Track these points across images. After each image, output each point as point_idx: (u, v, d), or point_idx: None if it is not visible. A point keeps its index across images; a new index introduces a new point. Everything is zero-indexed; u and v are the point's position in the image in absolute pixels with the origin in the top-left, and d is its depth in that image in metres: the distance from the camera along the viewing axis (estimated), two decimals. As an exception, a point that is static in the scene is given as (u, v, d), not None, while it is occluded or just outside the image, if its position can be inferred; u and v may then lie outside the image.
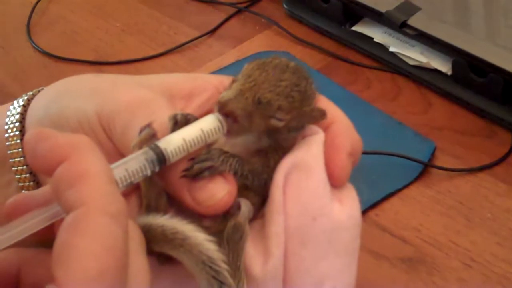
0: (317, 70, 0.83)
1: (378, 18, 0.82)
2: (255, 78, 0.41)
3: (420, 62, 0.80)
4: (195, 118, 0.41)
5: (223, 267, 0.39)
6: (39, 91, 0.50)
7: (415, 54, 0.80)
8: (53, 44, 0.92)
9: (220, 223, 0.41)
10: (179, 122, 0.41)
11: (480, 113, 0.75)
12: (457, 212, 0.66)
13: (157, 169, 0.39)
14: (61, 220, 0.34)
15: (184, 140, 0.40)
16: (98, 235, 0.32)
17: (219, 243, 0.40)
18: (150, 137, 0.40)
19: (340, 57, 0.85)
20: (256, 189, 0.42)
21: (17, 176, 0.48)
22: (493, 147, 0.72)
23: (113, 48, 0.91)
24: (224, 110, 0.40)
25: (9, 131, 0.48)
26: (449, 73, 0.78)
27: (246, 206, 0.41)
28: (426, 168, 0.70)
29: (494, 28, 0.79)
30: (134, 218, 0.40)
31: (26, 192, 0.47)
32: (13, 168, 0.48)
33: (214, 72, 0.84)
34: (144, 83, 0.46)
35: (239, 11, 0.94)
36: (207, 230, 0.40)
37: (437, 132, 0.74)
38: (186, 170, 0.40)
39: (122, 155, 0.41)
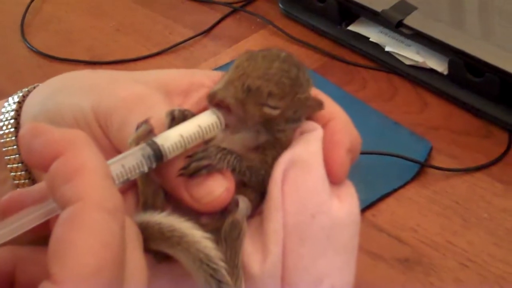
0: (313, 70, 0.82)
1: (374, 17, 0.82)
2: (244, 68, 0.41)
3: (416, 62, 0.79)
4: (193, 114, 0.41)
5: (221, 265, 0.38)
6: (34, 88, 0.50)
7: (411, 54, 0.80)
8: (47, 44, 0.91)
9: (218, 221, 0.40)
10: (176, 118, 0.40)
11: (477, 112, 0.75)
12: (453, 212, 0.66)
13: (154, 165, 0.39)
14: (57, 216, 0.33)
15: (181, 136, 0.39)
16: (94, 231, 0.31)
17: (217, 241, 0.39)
18: (147, 133, 0.40)
19: (336, 56, 0.85)
20: (254, 186, 0.41)
21: (12, 173, 0.48)
22: (489, 147, 0.72)
23: (108, 48, 0.91)
24: (214, 100, 0.40)
25: (4, 128, 0.48)
26: (445, 72, 0.78)
27: (244, 203, 0.40)
28: (422, 168, 0.70)
29: (490, 27, 0.79)
30: (131, 216, 0.39)
31: (21, 189, 0.47)
32: (8, 166, 0.48)
33: (209, 72, 0.83)
34: (141, 79, 0.45)
35: (234, 11, 0.94)
36: (205, 227, 0.39)
37: (433, 132, 0.74)
38: (183, 168, 0.40)
39: (118, 152, 0.41)
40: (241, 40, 0.89)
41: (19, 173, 0.48)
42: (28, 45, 0.91)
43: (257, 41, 0.89)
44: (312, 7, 0.88)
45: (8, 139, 0.47)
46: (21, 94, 0.49)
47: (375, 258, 0.63)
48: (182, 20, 0.94)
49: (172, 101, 0.44)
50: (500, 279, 0.60)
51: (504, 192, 0.68)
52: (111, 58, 0.89)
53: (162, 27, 0.93)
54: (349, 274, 0.41)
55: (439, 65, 0.78)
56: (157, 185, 0.41)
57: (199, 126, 0.40)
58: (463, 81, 0.76)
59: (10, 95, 0.51)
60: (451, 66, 0.76)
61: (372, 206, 0.67)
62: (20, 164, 0.48)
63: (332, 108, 0.44)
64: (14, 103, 0.49)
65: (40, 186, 0.39)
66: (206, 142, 0.41)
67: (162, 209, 0.40)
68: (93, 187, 0.33)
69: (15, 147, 0.48)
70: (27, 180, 0.48)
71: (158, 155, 0.39)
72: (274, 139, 0.42)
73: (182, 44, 0.90)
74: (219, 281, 0.38)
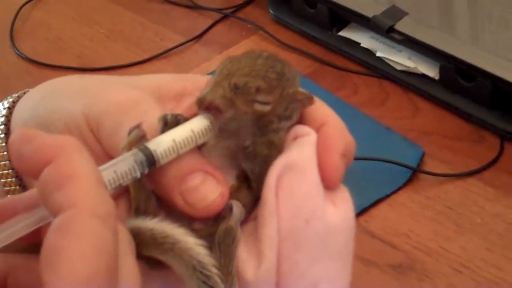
0: (304, 75, 0.82)
1: (365, 23, 0.82)
2: (228, 69, 0.41)
3: (407, 67, 0.79)
4: (185, 119, 0.40)
5: (214, 272, 0.38)
6: (24, 93, 0.49)
7: (402, 59, 0.80)
8: (37, 51, 0.91)
9: (211, 226, 0.40)
10: (169, 123, 0.40)
11: (469, 118, 0.75)
12: (446, 217, 0.66)
13: (146, 171, 0.38)
14: (49, 224, 0.33)
15: (174, 141, 0.39)
16: (87, 238, 0.31)
17: (210, 247, 0.39)
18: (139, 139, 0.39)
19: (327, 62, 0.85)
20: (248, 190, 0.41)
21: (2, 180, 0.47)
22: (481, 152, 0.72)
23: (98, 54, 0.90)
24: (204, 103, 0.40)
25: (-7, 134, 0.47)
26: (437, 78, 0.78)
27: (237, 208, 0.40)
28: (414, 173, 0.70)
29: (482, 32, 0.79)
30: (123, 222, 0.39)
31: (11, 196, 0.46)
32: (-2, 172, 0.47)
33: (200, 78, 0.83)
34: (133, 83, 0.45)
35: (225, 17, 0.94)
36: (198, 233, 0.39)
37: (425, 137, 0.74)
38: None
39: (110, 158, 0.40)
40: (232, 46, 0.89)
41: (10, 179, 0.47)
42: (17, 52, 0.91)
43: (248, 47, 0.88)
44: (302, 13, 0.88)
45: (-3, 145, 0.47)
46: (11, 100, 0.49)
47: (368, 264, 0.62)
48: (172, 26, 0.94)
49: (164, 105, 0.44)
50: (493, 284, 0.60)
51: (496, 197, 0.68)
52: (101, 64, 0.88)
53: (153, 33, 0.93)
54: (344, 279, 0.41)
55: (430, 70, 0.78)
56: (149, 191, 0.40)
57: (192, 131, 0.39)
58: (455, 86, 0.76)
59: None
60: (442, 71, 0.76)
61: (364, 212, 0.67)
62: (10, 171, 0.47)
63: (325, 112, 0.43)
64: (4, 108, 0.48)
65: (31, 193, 0.38)
66: (199, 147, 0.41)
67: (155, 215, 0.40)
68: (85, 194, 0.32)
69: (5, 153, 0.47)
70: (17, 187, 0.47)
71: (150, 160, 0.38)
72: (268, 143, 0.42)
73: (173, 50, 0.89)
74: (213, 288, 0.38)
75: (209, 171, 0.40)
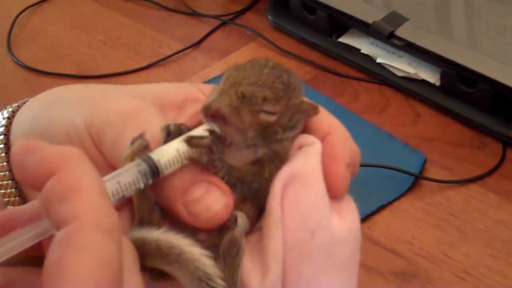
0: (304, 82, 0.81)
1: (365, 29, 0.81)
2: (235, 77, 0.40)
3: (408, 73, 0.79)
4: (188, 128, 0.40)
5: (220, 283, 0.37)
6: (24, 103, 0.48)
7: (403, 65, 0.80)
8: (34, 58, 0.90)
9: (216, 237, 0.39)
10: (172, 133, 0.39)
11: (470, 123, 0.75)
12: (449, 224, 0.66)
13: (150, 181, 0.38)
14: (51, 237, 0.32)
15: (177, 151, 0.38)
16: (92, 251, 0.30)
17: (215, 258, 0.38)
18: (142, 149, 0.39)
19: (327, 69, 0.84)
20: (251, 199, 0.41)
21: (1, 191, 0.46)
22: (483, 158, 0.72)
23: (96, 61, 0.90)
24: (210, 112, 0.39)
25: (-7, 144, 0.47)
26: (438, 84, 0.77)
27: (242, 219, 0.39)
28: (417, 180, 0.70)
29: (483, 38, 0.79)
30: (126, 233, 0.38)
31: (12, 208, 0.46)
32: (-2, 183, 0.46)
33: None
34: (134, 92, 0.44)
35: (223, 23, 0.93)
36: (202, 244, 0.38)
37: (426, 144, 0.74)
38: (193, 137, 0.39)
39: (112, 168, 0.40)
40: (231, 53, 0.88)
41: (9, 190, 0.47)
42: (15, 59, 0.90)
43: (247, 53, 0.88)
44: (302, 19, 0.88)
45: (-3, 156, 0.46)
46: (10, 110, 0.48)
47: (371, 271, 0.62)
48: (171, 33, 0.93)
49: (166, 115, 0.43)
50: (497, 292, 0.60)
51: (499, 204, 0.67)
52: (99, 71, 0.88)
53: (151, 40, 0.92)
54: (351, 290, 0.41)
55: (431, 76, 0.78)
56: (153, 202, 0.40)
57: (205, 130, 0.39)
58: (456, 92, 0.75)
59: (-2, 110, 0.50)
60: (443, 77, 0.76)
61: (367, 219, 0.66)
62: (10, 181, 0.46)
63: (329, 121, 0.43)
64: (3, 118, 0.48)
65: (32, 205, 0.38)
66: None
67: (159, 226, 0.39)
68: (89, 206, 0.32)
69: (5, 163, 0.46)
70: (17, 198, 0.47)
71: (154, 171, 0.38)
72: (272, 153, 0.41)
73: (172, 57, 0.89)
74: (218, 300, 0.37)
75: (213, 181, 0.39)
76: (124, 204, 0.40)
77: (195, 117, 0.43)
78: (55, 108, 0.45)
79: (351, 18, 0.82)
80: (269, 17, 0.91)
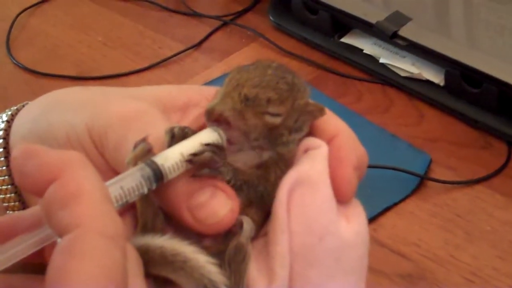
0: (306, 82, 0.81)
1: (368, 29, 0.81)
2: (237, 79, 0.40)
3: (411, 73, 0.78)
4: (193, 132, 0.39)
5: (225, 290, 0.37)
6: (23, 106, 0.48)
7: (406, 65, 0.79)
8: (34, 60, 0.89)
9: (221, 243, 0.38)
10: (176, 136, 0.38)
11: (475, 124, 0.74)
12: (455, 225, 0.65)
13: (154, 186, 0.37)
14: (53, 243, 0.31)
15: (182, 155, 0.38)
16: (96, 258, 0.29)
17: (220, 265, 0.37)
18: (145, 153, 0.38)
19: (329, 69, 0.83)
20: (257, 203, 0.40)
21: (1, 195, 0.46)
22: (489, 159, 0.71)
23: (96, 62, 0.89)
24: (213, 116, 0.39)
25: (-8, 148, 0.46)
26: (442, 84, 0.76)
27: (248, 225, 0.39)
28: (422, 181, 0.69)
29: (487, 38, 0.78)
30: (130, 239, 0.37)
31: (12, 213, 0.45)
32: (-3, 188, 0.46)
33: (201, 87, 0.82)
34: (136, 94, 0.44)
35: (224, 24, 0.93)
36: (207, 250, 0.38)
37: (431, 144, 0.73)
38: (194, 155, 0.37)
39: (115, 172, 0.39)
40: (232, 54, 0.87)
41: (9, 195, 0.46)
42: (14, 61, 0.89)
43: (248, 54, 0.87)
44: (303, 19, 0.87)
45: (-4, 160, 0.46)
46: (9, 113, 0.47)
47: (377, 274, 0.61)
48: (171, 34, 0.92)
49: (169, 117, 0.43)
50: (505, 294, 0.59)
51: (505, 204, 0.66)
52: (99, 73, 0.87)
53: (151, 41, 0.91)
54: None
55: (435, 76, 0.77)
56: (157, 207, 0.39)
57: (202, 144, 0.38)
58: (460, 92, 0.74)
59: (-4, 112, 0.49)
60: (447, 77, 0.75)
61: (373, 220, 0.66)
62: (9, 186, 0.46)
63: (336, 123, 0.42)
64: (2, 122, 0.47)
65: (33, 211, 0.37)
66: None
67: (163, 232, 0.38)
68: (92, 213, 0.31)
69: (4, 168, 0.46)
70: (17, 203, 0.46)
71: (158, 175, 0.37)
72: (277, 156, 0.40)
73: (173, 58, 0.88)
74: (224, 307, 0.36)
75: (219, 185, 0.38)
76: (127, 209, 0.40)
77: (199, 120, 0.42)
78: (55, 111, 0.44)
79: (353, 18, 0.81)
80: (270, 18, 0.90)
